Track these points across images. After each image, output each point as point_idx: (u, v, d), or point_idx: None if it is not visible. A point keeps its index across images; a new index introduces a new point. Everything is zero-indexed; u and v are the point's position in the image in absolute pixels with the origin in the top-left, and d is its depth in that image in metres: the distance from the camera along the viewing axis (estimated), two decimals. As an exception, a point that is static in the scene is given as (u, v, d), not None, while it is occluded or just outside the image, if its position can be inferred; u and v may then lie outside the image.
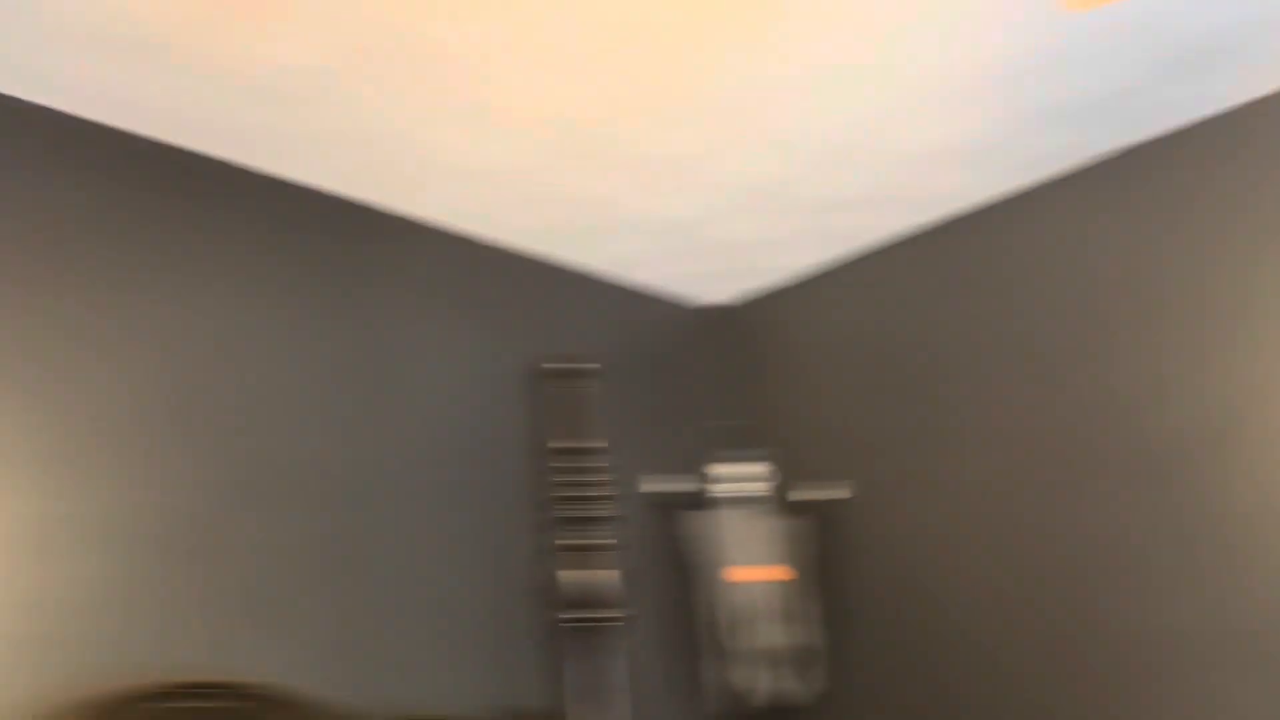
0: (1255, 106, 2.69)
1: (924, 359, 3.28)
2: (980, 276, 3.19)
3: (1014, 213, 3.14)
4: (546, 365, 3.22)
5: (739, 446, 3.59)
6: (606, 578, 3.08)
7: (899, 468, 3.27)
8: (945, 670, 3.07)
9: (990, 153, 2.89)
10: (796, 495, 3.45)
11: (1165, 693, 2.64)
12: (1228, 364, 2.65)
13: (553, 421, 3.17)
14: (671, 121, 2.63)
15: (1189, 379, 2.71)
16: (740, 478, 3.43)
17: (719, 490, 3.43)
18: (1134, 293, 2.85)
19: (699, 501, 3.41)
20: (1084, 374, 2.91)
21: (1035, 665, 2.88)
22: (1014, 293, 3.11)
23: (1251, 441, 2.58)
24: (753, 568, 3.29)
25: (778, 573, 3.29)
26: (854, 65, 2.44)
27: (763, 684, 3.21)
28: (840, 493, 3.36)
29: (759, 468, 3.43)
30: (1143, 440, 2.78)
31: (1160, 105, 2.71)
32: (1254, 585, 2.54)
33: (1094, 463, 2.86)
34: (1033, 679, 2.88)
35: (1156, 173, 2.86)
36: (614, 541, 3.13)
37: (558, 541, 3.05)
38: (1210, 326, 2.70)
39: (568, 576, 3.03)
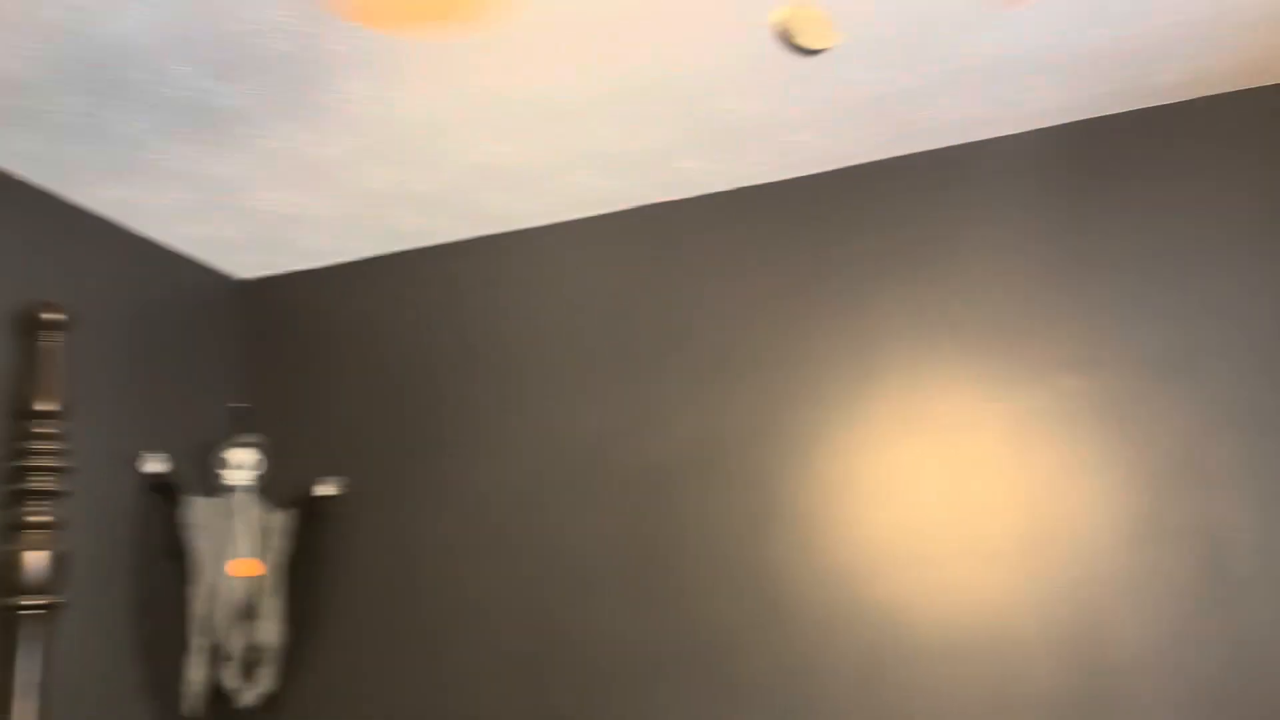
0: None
1: (438, 367, 3.33)
2: (506, 295, 3.31)
3: (543, 241, 3.31)
4: (43, 316, 2.83)
5: (244, 431, 3.44)
6: (59, 560, 2.73)
7: (396, 471, 3.29)
8: (411, 676, 3.10)
9: (537, 181, 3.05)
10: (293, 489, 3.32)
11: (617, 700, 2.87)
12: (709, 401, 3.03)
13: (38, 382, 2.80)
14: (226, 68, 2.40)
15: (676, 412, 3.04)
16: (237, 465, 3.29)
17: (218, 476, 3.27)
18: (630, 328, 3.13)
19: (194, 486, 3.22)
20: (582, 402, 3.13)
21: (501, 675, 3.00)
22: (534, 315, 3.26)
23: (721, 472, 2.93)
24: (238, 561, 3.17)
25: (257, 567, 3.19)
26: (428, 73, 2.39)
27: (230, 682, 3.10)
28: (331, 489, 3.29)
29: (254, 455, 3.31)
30: (623, 467, 3.03)
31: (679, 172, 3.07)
32: (702, 604, 2.86)
33: (579, 485, 3.06)
34: (497, 688, 3.00)
35: (649, 230, 3.21)
36: (55, 521, 2.76)
37: (24, 518, 2.71)
38: (698, 367, 3.04)
39: (27, 557, 2.70)
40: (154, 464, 3.15)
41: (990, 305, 2.81)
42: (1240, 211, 2.65)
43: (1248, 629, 2.43)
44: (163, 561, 3.17)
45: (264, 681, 3.14)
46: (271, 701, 3.18)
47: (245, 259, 3.52)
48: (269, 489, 3.35)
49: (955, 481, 2.74)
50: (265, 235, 3.33)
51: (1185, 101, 2.75)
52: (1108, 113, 2.80)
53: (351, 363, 3.46)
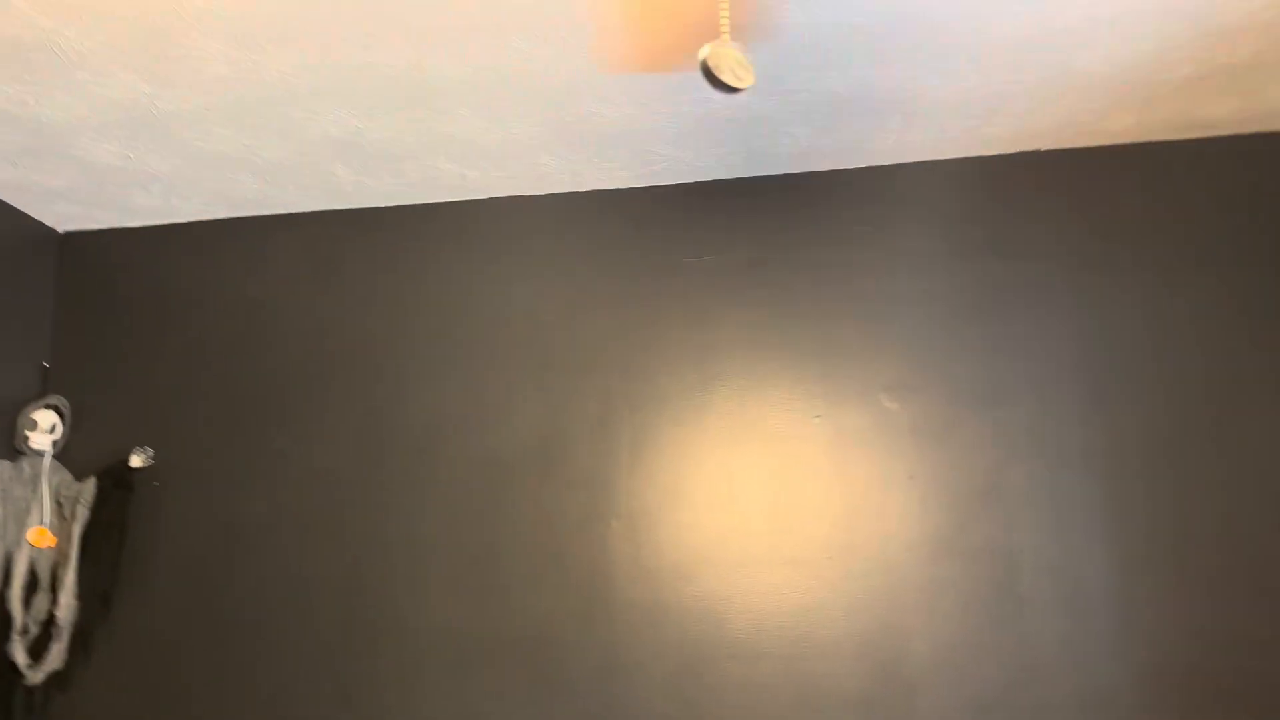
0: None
1: (269, 340, 3.23)
2: (348, 272, 3.24)
3: (392, 222, 3.25)
4: None
5: (53, 393, 3.22)
6: None
7: (214, 445, 3.16)
8: (216, 658, 2.99)
9: (393, 161, 2.99)
10: (101, 457, 3.16)
11: (432, 689, 2.86)
12: (551, 397, 3.04)
13: None
14: (69, 8, 2.22)
15: (517, 406, 3.04)
16: (44, 428, 3.09)
17: (22, 439, 3.06)
18: (475, 319, 3.12)
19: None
20: (421, 389, 3.09)
21: (313, 660, 2.94)
22: (376, 296, 3.20)
23: (557, 468, 2.96)
24: (37, 530, 2.98)
25: (49, 538, 3.01)
26: (288, 38, 2.26)
27: (19, 657, 2.91)
28: (141, 460, 3.13)
29: (60, 419, 3.12)
30: (458, 457, 3.02)
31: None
32: (525, 597, 2.88)
33: (409, 472, 3.03)
34: (309, 673, 2.93)
35: (503, 222, 3.23)
36: None
37: None
38: (543, 363, 3.06)
39: None
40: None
41: (821, 328, 2.97)
42: (1049, 257, 2.90)
43: (1032, 644, 2.66)
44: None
45: (55, 659, 2.95)
46: (61, 680, 3.00)
47: (68, 211, 3.29)
48: (76, 456, 3.16)
49: (778, 491, 2.87)
50: (93, 188, 3.13)
51: (1011, 154, 2.99)
52: (945, 157, 3.01)
53: (175, 329, 3.29)
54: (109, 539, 3.09)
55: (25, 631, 2.96)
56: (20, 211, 3.28)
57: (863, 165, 3.05)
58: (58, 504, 3.08)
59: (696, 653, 2.79)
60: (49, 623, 3.00)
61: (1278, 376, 2.73)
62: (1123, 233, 2.89)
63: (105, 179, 3.07)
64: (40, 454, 3.08)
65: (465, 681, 2.87)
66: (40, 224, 3.36)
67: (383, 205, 3.26)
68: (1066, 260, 2.89)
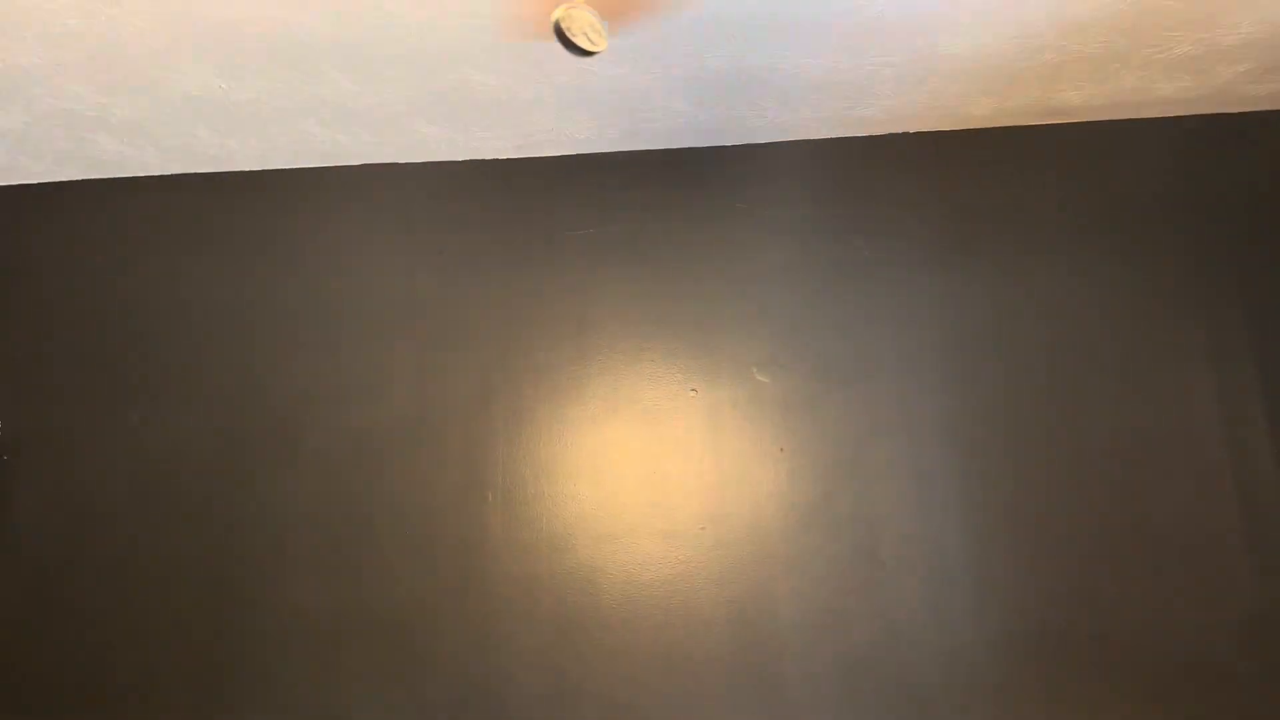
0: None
1: (125, 308, 3.09)
2: (212, 238, 3.13)
3: (259, 187, 3.16)
4: None
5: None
6: None
7: (66, 418, 3.02)
8: (70, 641, 2.86)
9: (260, 124, 2.89)
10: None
11: (298, 669, 2.80)
12: (426, 371, 3.00)
13: None
14: None
15: (390, 380, 2.99)
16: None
17: None
18: (348, 290, 3.07)
19: None
20: (287, 361, 3.02)
21: (173, 642, 2.85)
22: (242, 263, 3.10)
23: (432, 443, 2.92)
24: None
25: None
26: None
27: None
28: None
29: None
30: (327, 431, 2.96)
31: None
32: (396, 574, 2.84)
33: (276, 447, 2.96)
34: (168, 655, 2.84)
35: (376, 190, 3.17)
36: None
37: None
38: (418, 335, 3.02)
39: None
40: None
41: (697, 303, 3.00)
42: (914, 237, 3.00)
43: (895, 607, 2.76)
44: None
45: (-112, 644, 2.78)
46: (-104, 667, 2.83)
47: (-99, 166, 3.08)
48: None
49: (653, 463, 2.90)
50: (-70, 142, 2.93)
51: (880, 136, 3.07)
52: (817, 137, 3.07)
53: (26, 296, 3.12)
54: (-50, 517, 2.92)
55: None
56: None
57: (739, 143, 3.09)
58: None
59: (570, 624, 2.80)
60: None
61: (1125, 352, 2.89)
62: (983, 214, 3.01)
63: (-55, 135, 2.88)
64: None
65: (334, 661, 2.81)
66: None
67: (249, 169, 3.15)
68: (930, 240, 3.00)
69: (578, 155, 3.12)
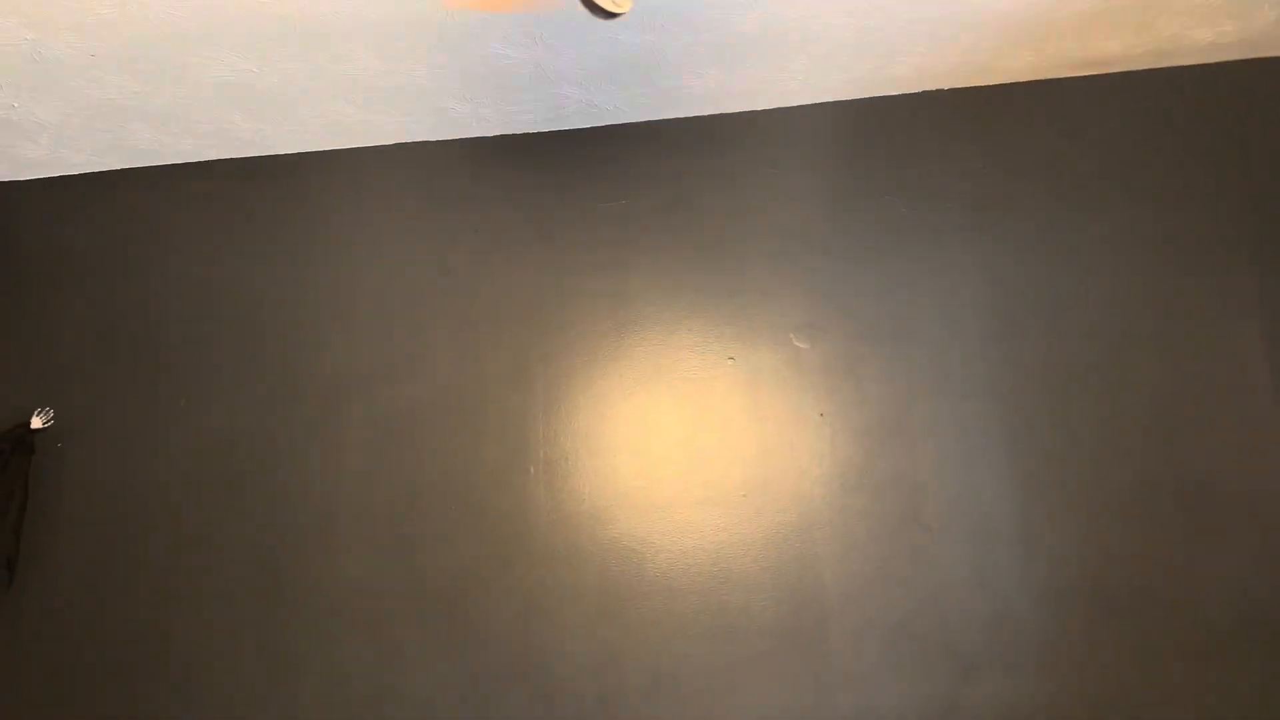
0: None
1: (170, 296, 3.14)
2: (251, 223, 3.16)
3: (296, 170, 3.17)
4: None
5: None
6: None
7: (118, 405, 3.07)
8: (131, 620, 2.92)
9: (290, 107, 2.91)
10: (2, 421, 3.05)
11: (352, 641, 2.84)
12: (466, 347, 3.03)
13: None
14: None
15: (432, 357, 3.02)
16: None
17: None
18: (387, 269, 3.08)
19: None
20: (331, 342, 3.05)
21: (230, 619, 2.90)
22: (282, 247, 3.13)
23: (474, 418, 2.94)
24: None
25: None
26: None
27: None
28: (42, 421, 3.05)
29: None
30: (372, 410, 2.98)
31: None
32: (445, 547, 2.87)
33: (323, 426, 2.99)
34: (226, 631, 2.89)
35: (412, 168, 3.18)
36: None
37: None
38: (457, 312, 3.05)
39: None
40: None
41: (732, 270, 2.99)
42: (951, 195, 2.95)
43: (939, 569, 2.75)
44: None
45: (-43, 627, 2.88)
46: (-34, 648, 2.92)
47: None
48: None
49: (693, 432, 2.90)
50: (-27, 138, 2.99)
51: (914, 94, 3.02)
52: (850, 98, 3.03)
53: (71, 286, 3.18)
54: (12, 503, 3.00)
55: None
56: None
57: (771, 107, 3.06)
58: (-46, 469, 2.98)
59: (615, 593, 2.82)
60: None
61: (1170, 304, 2.84)
62: (1022, 170, 2.96)
63: (-13, 129, 2.93)
64: (-68, 418, 2.97)
65: (384, 634, 2.86)
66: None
67: (283, 153, 3.18)
68: (968, 197, 2.95)
69: (608, 126, 3.11)
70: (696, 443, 2.90)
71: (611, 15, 1.84)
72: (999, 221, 2.93)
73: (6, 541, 2.98)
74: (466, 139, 3.14)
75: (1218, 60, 2.95)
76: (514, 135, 3.14)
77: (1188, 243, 2.87)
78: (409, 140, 3.15)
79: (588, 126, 3.11)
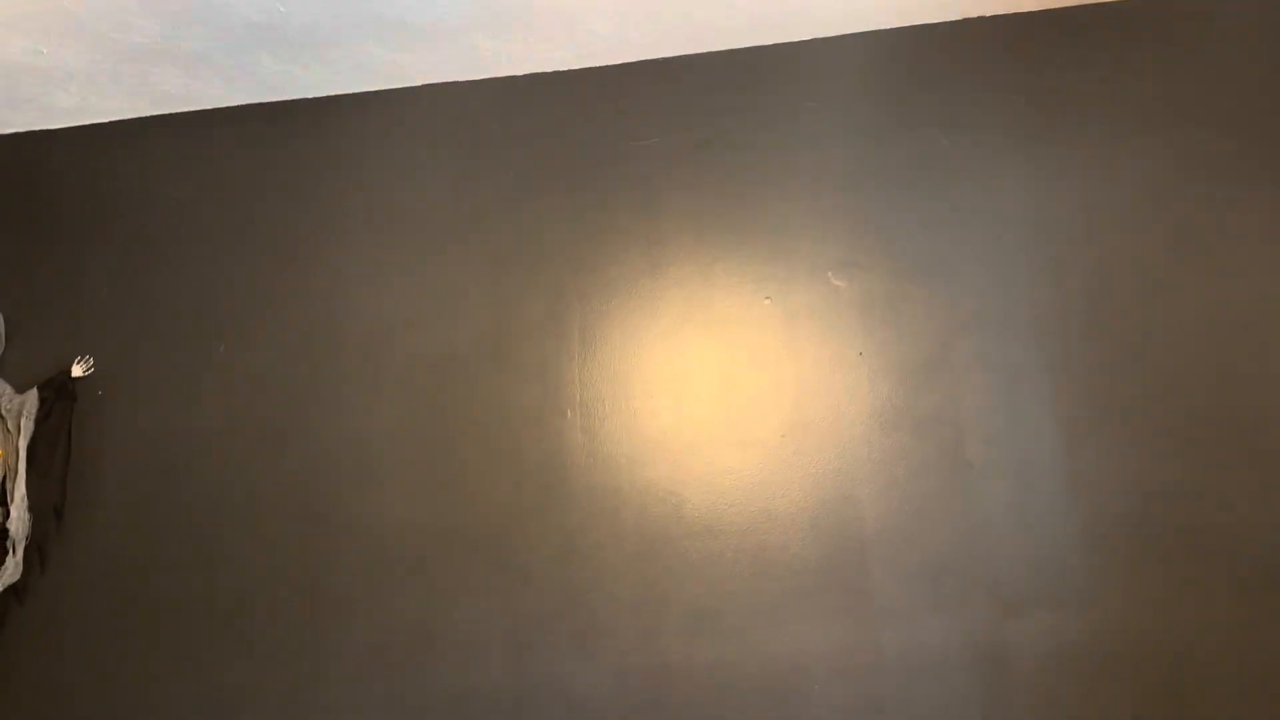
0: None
1: (206, 243, 3.13)
2: (284, 170, 3.13)
3: (327, 114, 3.15)
4: None
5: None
6: None
7: (156, 352, 3.09)
8: (175, 562, 2.95)
9: (321, 48, 2.86)
10: (40, 369, 3.07)
11: (396, 583, 2.86)
12: (501, 291, 3.00)
13: None
14: None
15: (467, 301, 3.00)
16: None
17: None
18: (421, 213, 3.06)
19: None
20: (367, 288, 3.04)
21: (274, 562, 2.92)
22: (315, 192, 3.11)
23: (510, 362, 2.94)
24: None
25: (2, 451, 2.96)
26: None
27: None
28: (82, 370, 3.06)
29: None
30: (409, 355, 2.98)
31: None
32: (484, 490, 2.88)
33: (361, 372, 2.99)
34: (270, 574, 2.91)
35: (441, 110, 3.14)
36: None
37: None
38: (491, 256, 3.02)
39: None
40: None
41: (769, 208, 2.94)
42: (994, 127, 2.88)
43: (981, 507, 2.72)
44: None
45: (11, 572, 2.93)
46: (18, 592, 2.98)
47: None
48: (14, 369, 3.08)
49: (730, 373, 2.88)
50: (6, 88, 2.98)
51: (955, 21, 2.94)
52: (890, 26, 2.95)
53: (106, 234, 3.19)
54: (56, 450, 3.04)
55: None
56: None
57: (807, 38, 2.99)
58: (1, 418, 3.02)
59: (654, 534, 2.83)
60: (2, 536, 2.96)
61: (1219, 235, 2.76)
62: (1069, 98, 2.87)
63: (19, 78, 2.92)
64: (-24, 368, 3.01)
65: (429, 575, 2.88)
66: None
67: (314, 96, 3.15)
68: (1013, 128, 2.88)
69: (640, 62, 3.05)
70: (734, 384, 2.88)
71: None
72: (1045, 152, 2.86)
73: (53, 488, 3.02)
74: (497, 78, 3.09)
75: (1274, -20, 2.84)
76: (544, 74, 3.08)
77: (1240, 168, 2.78)
78: (439, 81, 3.10)
79: (619, 63, 3.05)
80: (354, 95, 3.14)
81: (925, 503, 2.74)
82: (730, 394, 2.87)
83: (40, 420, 3.03)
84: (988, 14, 2.92)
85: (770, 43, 2.99)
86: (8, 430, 3.01)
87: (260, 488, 2.98)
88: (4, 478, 2.99)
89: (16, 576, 2.95)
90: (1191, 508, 2.65)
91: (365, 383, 3.00)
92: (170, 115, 3.21)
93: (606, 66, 3.06)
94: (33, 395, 3.03)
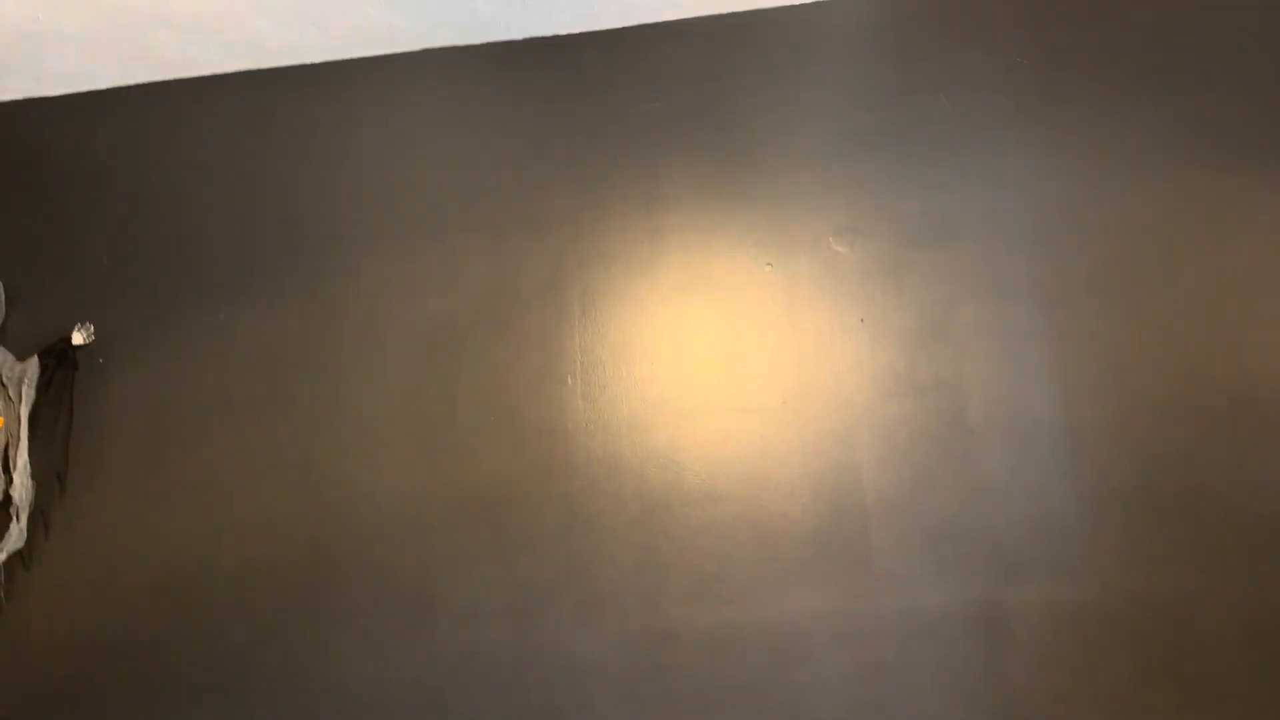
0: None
1: (205, 210, 3.12)
2: (282, 137, 3.12)
3: (327, 80, 3.12)
4: None
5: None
6: None
7: (156, 320, 3.08)
8: (178, 529, 2.96)
9: (320, 10, 2.83)
10: (40, 337, 3.08)
11: (397, 550, 2.88)
12: (501, 257, 3.00)
13: None
14: None
15: (467, 268, 2.99)
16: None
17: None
18: (421, 180, 3.04)
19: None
20: (366, 255, 3.02)
21: (277, 528, 2.93)
22: (314, 160, 3.10)
23: (511, 328, 2.93)
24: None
25: (2, 419, 2.97)
26: None
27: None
28: (83, 337, 3.07)
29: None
30: (409, 322, 2.98)
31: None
32: (484, 456, 2.88)
33: (361, 339, 2.99)
34: (273, 541, 2.93)
35: (441, 75, 3.11)
36: None
37: None
38: (491, 223, 3.01)
39: None
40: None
41: (770, 173, 2.92)
42: (998, 90, 2.85)
43: (982, 473, 2.72)
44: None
45: (15, 539, 2.95)
46: (24, 558, 3.00)
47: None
48: (15, 336, 3.09)
49: (730, 340, 2.87)
50: (1, 55, 2.96)
51: (961, -17, 2.91)
52: (891, -12, 2.92)
53: (104, 201, 3.18)
54: (58, 417, 3.05)
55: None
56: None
57: (811, 0, 2.95)
58: (2, 385, 3.02)
59: (655, 501, 2.83)
60: (5, 504, 2.97)
61: (1223, 204, 2.74)
62: (1077, 57, 2.84)
63: (14, 43, 2.90)
64: (-23, 336, 3.01)
65: (428, 541, 2.89)
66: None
67: (311, 62, 3.12)
68: (1019, 91, 2.85)
69: (640, 26, 3.02)
70: (734, 350, 2.87)
71: None
72: (1050, 115, 2.83)
73: (55, 455, 3.03)
74: (495, 43, 3.06)
75: (1283, -61, 2.80)
76: (543, 38, 3.06)
77: (1247, 134, 2.76)
78: (437, 45, 3.07)
79: (619, 26, 3.02)
80: (352, 60, 3.12)
81: (926, 469, 2.74)
82: (731, 360, 2.87)
83: (42, 388, 3.03)
84: (992, -25, 2.89)
85: (772, 5, 2.97)
86: (9, 398, 3.02)
87: (262, 454, 2.99)
88: (6, 445, 3.00)
89: (21, 543, 2.96)
90: (1194, 472, 2.65)
91: (365, 350, 3.00)
92: (167, 82, 3.19)
93: (607, 30, 3.03)
94: (34, 363, 3.03)
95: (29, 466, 2.98)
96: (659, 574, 2.79)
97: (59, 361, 3.06)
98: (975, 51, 2.88)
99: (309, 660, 2.87)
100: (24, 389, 3.01)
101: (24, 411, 3.00)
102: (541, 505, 2.86)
